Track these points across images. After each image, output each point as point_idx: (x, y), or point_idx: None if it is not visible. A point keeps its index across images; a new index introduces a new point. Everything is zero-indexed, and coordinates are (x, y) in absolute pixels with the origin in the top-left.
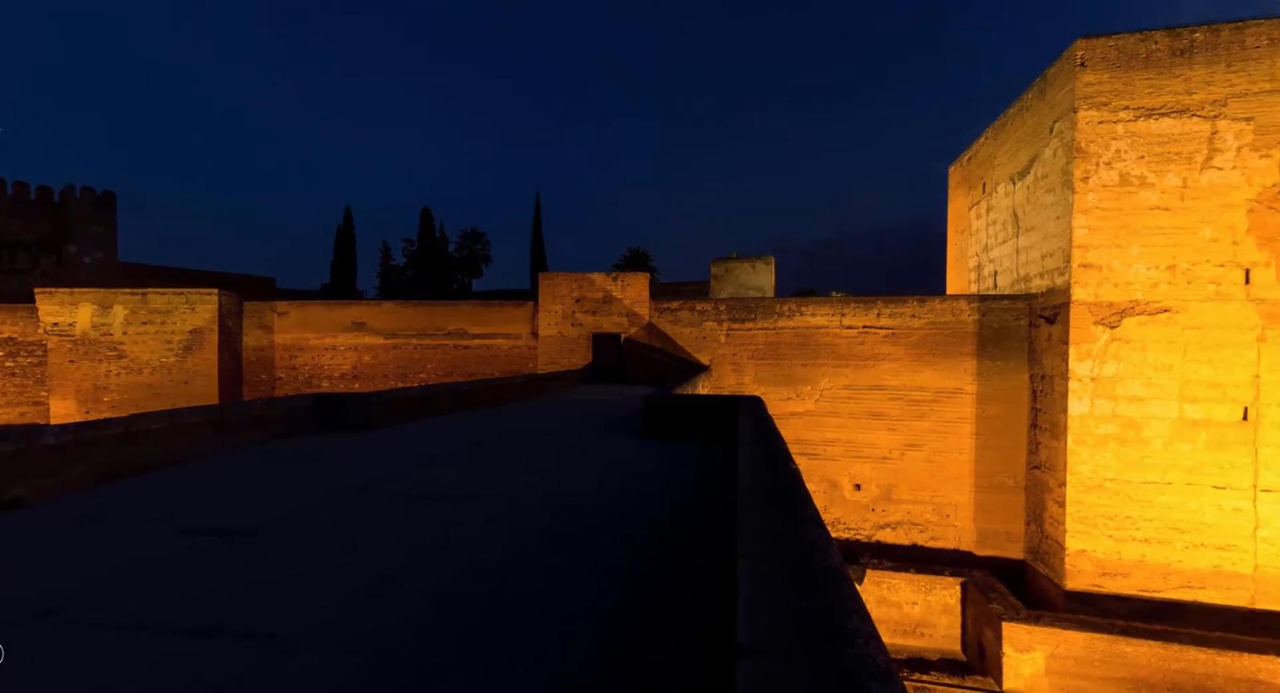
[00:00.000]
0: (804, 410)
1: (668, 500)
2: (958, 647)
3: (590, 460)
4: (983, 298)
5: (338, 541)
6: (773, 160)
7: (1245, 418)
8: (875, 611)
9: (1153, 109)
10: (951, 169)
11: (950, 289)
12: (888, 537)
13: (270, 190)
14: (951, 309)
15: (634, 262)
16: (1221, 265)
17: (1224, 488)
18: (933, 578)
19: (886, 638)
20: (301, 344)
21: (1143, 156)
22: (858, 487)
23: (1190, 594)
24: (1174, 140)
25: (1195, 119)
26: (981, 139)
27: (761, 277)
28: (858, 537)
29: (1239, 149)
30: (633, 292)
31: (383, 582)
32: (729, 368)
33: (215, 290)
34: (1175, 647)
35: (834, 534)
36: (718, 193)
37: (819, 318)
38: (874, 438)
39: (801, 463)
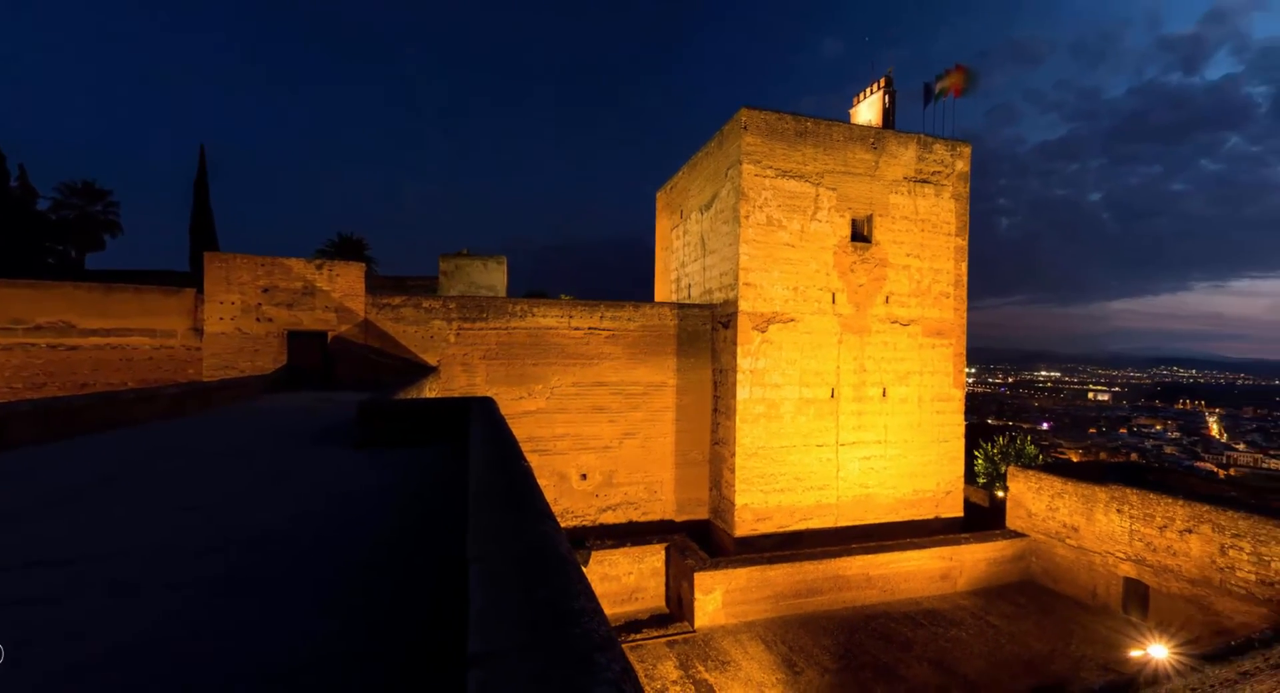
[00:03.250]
0: (536, 408)
1: (392, 515)
2: (663, 603)
3: (290, 483)
4: (681, 306)
5: None
6: (508, 164)
7: (832, 396)
8: (599, 587)
9: (786, 171)
10: (659, 194)
11: (657, 297)
12: (609, 518)
13: None
14: (658, 314)
15: (346, 249)
16: (821, 289)
17: (822, 446)
18: (644, 548)
19: (609, 609)
20: None
21: (781, 206)
22: (584, 476)
23: (805, 524)
24: (797, 197)
25: (807, 184)
26: (681, 172)
27: (494, 276)
28: (584, 522)
29: (830, 209)
30: (344, 283)
31: None
32: (459, 369)
33: None
34: (796, 565)
35: (563, 523)
36: (450, 187)
37: (550, 319)
38: (598, 430)
39: (534, 459)
